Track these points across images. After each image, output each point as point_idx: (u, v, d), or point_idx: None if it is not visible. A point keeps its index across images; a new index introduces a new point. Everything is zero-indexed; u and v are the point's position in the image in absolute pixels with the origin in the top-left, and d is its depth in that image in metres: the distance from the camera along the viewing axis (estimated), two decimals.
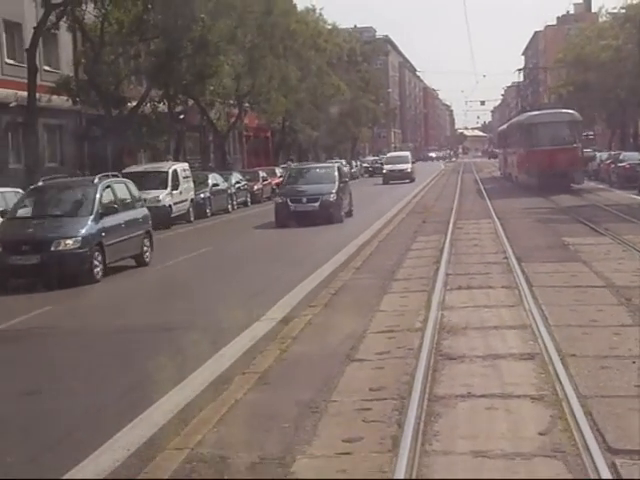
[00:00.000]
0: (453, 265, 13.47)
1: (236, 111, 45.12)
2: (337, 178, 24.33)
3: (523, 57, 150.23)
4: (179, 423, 6.09)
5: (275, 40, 39.43)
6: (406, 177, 48.38)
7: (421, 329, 8.71)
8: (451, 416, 5.94)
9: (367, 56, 78.09)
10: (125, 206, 16.20)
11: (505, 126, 50.07)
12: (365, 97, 72.58)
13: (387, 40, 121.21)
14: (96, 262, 14.38)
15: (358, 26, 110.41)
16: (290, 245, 19.06)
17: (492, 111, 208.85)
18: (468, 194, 34.26)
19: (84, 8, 29.15)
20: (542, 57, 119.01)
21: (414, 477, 4.86)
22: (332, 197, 23.37)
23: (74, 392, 7.42)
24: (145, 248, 16.46)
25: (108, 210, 15.29)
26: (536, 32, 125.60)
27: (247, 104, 45.20)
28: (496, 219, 21.04)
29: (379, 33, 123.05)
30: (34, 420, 6.68)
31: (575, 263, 13.11)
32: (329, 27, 62.48)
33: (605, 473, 4.78)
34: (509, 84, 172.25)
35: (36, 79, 26.40)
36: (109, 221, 15.17)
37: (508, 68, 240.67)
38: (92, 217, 14.81)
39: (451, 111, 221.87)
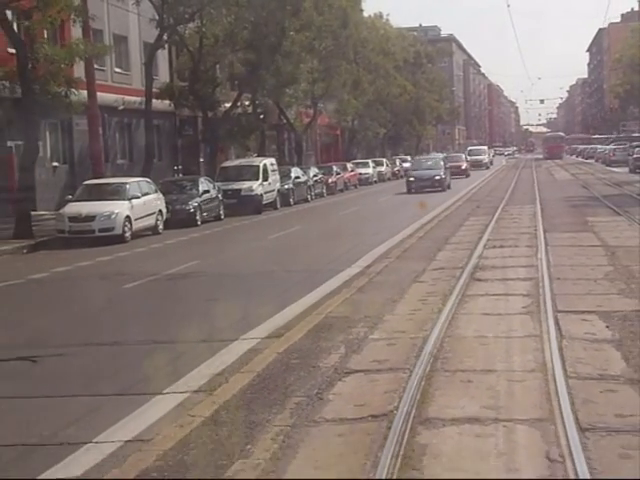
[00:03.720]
0: (494, 234, 17.66)
1: (311, 111, 49.72)
2: None
3: (587, 54, 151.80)
4: (316, 305, 10.58)
5: (348, 48, 43.92)
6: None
7: (462, 267, 12.99)
8: (474, 302, 10.22)
9: (432, 58, 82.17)
10: None
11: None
12: (429, 96, 76.67)
13: (452, 39, 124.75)
14: None
15: (423, 25, 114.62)
16: (367, 222, 23.45)
17: (557, 107, 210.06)
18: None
19: (187, 26, 34.06)
20: (606, 55, 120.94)
21: (445, 330, 9.14)
22: None
23: None
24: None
25: None
26: (600, 29, 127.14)
27: (321, 105, 49.77)
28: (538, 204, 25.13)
29: (444, 32, 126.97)
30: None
31: (587, 233, 17.20)
32: (395, 31, 66.79)
33: (551, 322, 8.97)
34: (572, 82, 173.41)
35: (152, 88, 31.19)
36: None
37: (570, 66, 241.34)
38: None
39: (516, 108, 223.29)
